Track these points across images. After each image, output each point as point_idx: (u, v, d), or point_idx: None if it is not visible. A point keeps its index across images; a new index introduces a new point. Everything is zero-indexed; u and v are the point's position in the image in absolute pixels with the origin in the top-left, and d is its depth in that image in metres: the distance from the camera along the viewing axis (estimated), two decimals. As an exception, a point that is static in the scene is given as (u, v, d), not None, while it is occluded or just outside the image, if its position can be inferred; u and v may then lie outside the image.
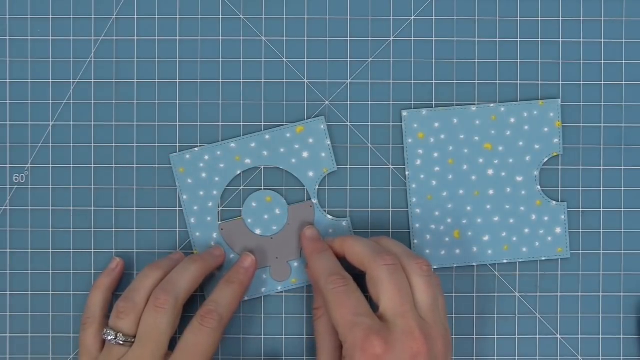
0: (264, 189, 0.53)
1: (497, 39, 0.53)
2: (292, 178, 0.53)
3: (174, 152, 0.53)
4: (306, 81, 0.54)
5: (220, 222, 0.53)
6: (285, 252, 0.53)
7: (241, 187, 0.53)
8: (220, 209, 0.53)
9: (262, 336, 0.53)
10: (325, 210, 0.53)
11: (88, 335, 0.49)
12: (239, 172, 0.53)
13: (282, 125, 0.53)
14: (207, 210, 0.53)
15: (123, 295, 0.49)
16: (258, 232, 0.53)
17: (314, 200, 0.53)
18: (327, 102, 0.54)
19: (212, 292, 0.49)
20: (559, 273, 0.53)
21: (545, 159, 0.53)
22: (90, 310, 0.50)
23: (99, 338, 0.49)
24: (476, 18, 0.53)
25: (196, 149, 0.53)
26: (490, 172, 0.53)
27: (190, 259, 0.50)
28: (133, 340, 0.47)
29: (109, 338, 0.47)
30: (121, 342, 0.47)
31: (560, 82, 0.53)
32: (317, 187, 0.53)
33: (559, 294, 0.53)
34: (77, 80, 0.54)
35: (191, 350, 0.47)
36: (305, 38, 0.53)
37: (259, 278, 0.53)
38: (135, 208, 0.53)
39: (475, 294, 0.53)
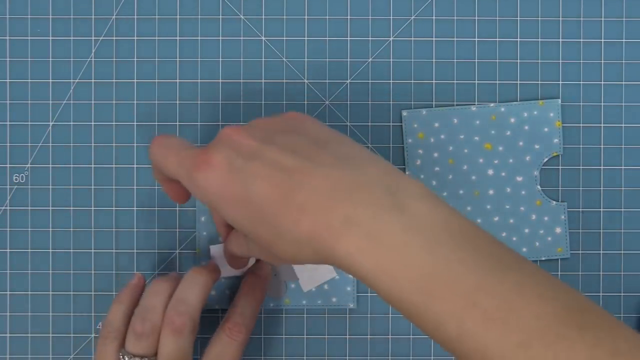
0: None
1: (497, 39, 0.53)
2: None
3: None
4: (306, 81, 0.54)
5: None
6: (285, 272, 0.53)
7: None
8: None
9: (262, 336, 0.53)
10: None
11: (109, 350, 0.46)
12: None
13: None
14: None
15: (137, 316, 0.46)
16: None
17: None
18: (327, 102, 0.54)
19: (237, 302, 0.49)
20: (559, 273, 0.53)
21: (545, 159, 0.53)
22: (113, 324, 0.47)
23: (120, 353, 0.46)
24: (476, 18, 0.53)
25: None
26: (490, 172, 0.53)
27: (196, 272, 0.47)
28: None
29: None
30: None
31: (560, 82, 0.53)
32: None
33: (559, 294, 0.53)
34: (77, 80, 0.54)
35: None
36: (305, 38, 0.53)
37: None
38: (135, 208, 0.53)
39: (475, 294, 0.53)
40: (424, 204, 0.35)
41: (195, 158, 0.39)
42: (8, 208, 0.54)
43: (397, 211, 0.35)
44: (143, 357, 0.45)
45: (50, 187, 0.53)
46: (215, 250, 0.53)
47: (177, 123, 0.53)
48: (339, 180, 0.35)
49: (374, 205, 0.35)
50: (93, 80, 0.54)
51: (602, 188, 0.53)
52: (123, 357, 0.45)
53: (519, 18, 0.53)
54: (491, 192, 0.53)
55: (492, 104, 0.53)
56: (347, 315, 0.53)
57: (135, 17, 0.54)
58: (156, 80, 0.53)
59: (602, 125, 0.53)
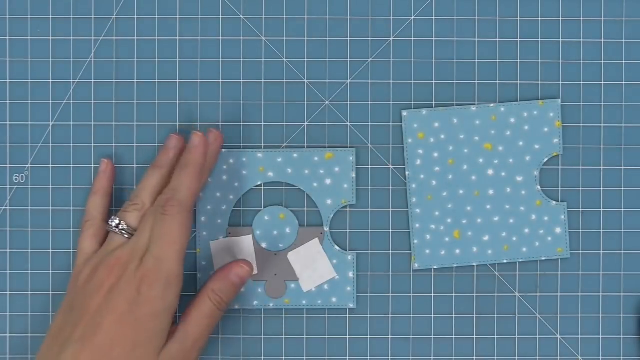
0: (280, 205, 0.53)
1: (497, 39, 0.53)
2: (310, 201, 0.53)
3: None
4: (306, 81, 0.54)
5: (229, 227, 0.53)
6: (285, 271, 0.53)
7: (260, 197, 0.53)
8: (232, 209, 0.53)
9: (262, 336, 0.53)
10: (334, 242, 0.53)
11: (86, 236, 0.50)
12: (259, 183, 0.53)
13: (307, 147, 0.53)
14: (219, 212, 0.53)
15: (130, 197, 0.49)
16: (264, 245, 0.53)
17: (326, 228, 0.53)
18: (327, 102, 0.54)
19: (171, 180, 0.48)
20: (559, 273, 0.53)
21: (545, 159, 0.53)
22: (90, 213, 0.50)
23: (97, 239, 0.50)
24: (476, 18, 0.53)
25: (224, 150, 0.53)
26: (490, 172, 0.53)
27: (184, 160, 0.48)
28: (133, 233, 0.48)
29: (114, 224, 0.48)
30: (124, 230, 0.48)
31: (560, 82, 0.53)
32: (331, 215, 0.53)
33: (559, 294, 0.53)
34: (77, 80, 0.54)
35: (164, 239, 0.46)
36: (305, 38, 0.53)
37: (253, 291, 0.53)
38: (135, 208, 0.53)
39: (475, 294, 0.53)
40: None
41: None
42: (8, 208, 0.54)
43: None
44: (129, 225, 0.48)
45: (50, 187, 0.53)
46: (216, 246, 0.53)
47: (177, 123, 0.53)
48: None
49: None
50: (93, 80, 0.54)
51: (602, 188, 0.53)
52: (112, 220, 0.48)
53: (519, 18, 0.53)
54: (491, 192, 0.53)
55: (492, 104, 0.53)
56: (347, 316, 0.53)
57: (135, 17, 0.54)
58: (156, 80, 0.53)
59: (602, 125, 0.53)
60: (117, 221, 0.48)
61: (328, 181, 0.53)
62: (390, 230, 0.53)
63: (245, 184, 0.53)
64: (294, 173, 0.53)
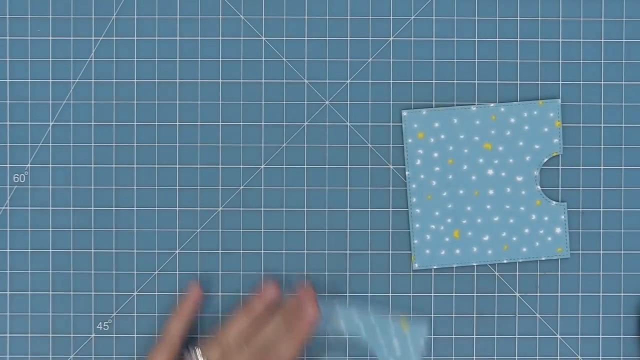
0: (343, 353, 0.53)
1: (497, 39, 0.53)
2: (372, 356, 0.53)
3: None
4: (306, 81, 0.54)
5: None
6: None
7: (328, 342, 0.53)
8: None
9: (262, 336, 0.54)
10: None
11: (162, 352, 0.51)
12: (331, 330, 0.53)
13: (385, 314, 0.53)
14: None
15: (216, 337, 0.50)
16: None
17: None
18: (327, 102, 0.54)
19: (277, 340, 0.49)
20: (559, 273, 0.53)
21: (545, 159, 0.53)
22: (171, 333, 0.51)
23: (170, 359, 0.51)
24: (476, 18, 0.53)
25: None
26: (490, 172, 0.53)
27: (297, 330, 0.50)
28: None
29: (196, 357, 0.49)
30: None
31: (560, 82, 0.53)
32: None
33: (559, 294, 0.53)
34: (77, 80, 0.54)
35: None
36: (305, 38, 0.53)
37: None
38: (135, 208, 0.53)
39: (475, 294, 0.53)
40: None
41: None
42: (8, 208, 0.54)
43: None
44: None
45: (50, 187, 0.53)
46: None
47: (177, 123, 0.53)
48: None
49: None
50: (93, 80, 0.54)
51: (602, 188, 0.53)
52: (196, 351, 0.50)
53: (519, 18, 0.53)
54: (491, 192, 0.53)
55: (492, 104, 0.53)
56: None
57: (135, 17, 0.54)
58: (156, 80, 0.54)
59: (602, 125, 0.53)
60: (201, 358, 0.49)
61: (397, 349, 0.53)
62: (390, 230, 0.53)
63: (319, 330, 0.53)
64: (367, 333, 0.53)
